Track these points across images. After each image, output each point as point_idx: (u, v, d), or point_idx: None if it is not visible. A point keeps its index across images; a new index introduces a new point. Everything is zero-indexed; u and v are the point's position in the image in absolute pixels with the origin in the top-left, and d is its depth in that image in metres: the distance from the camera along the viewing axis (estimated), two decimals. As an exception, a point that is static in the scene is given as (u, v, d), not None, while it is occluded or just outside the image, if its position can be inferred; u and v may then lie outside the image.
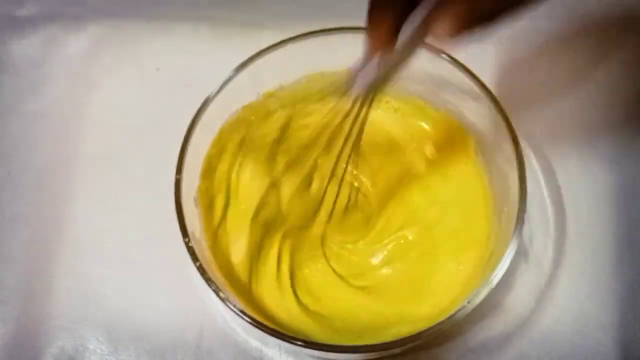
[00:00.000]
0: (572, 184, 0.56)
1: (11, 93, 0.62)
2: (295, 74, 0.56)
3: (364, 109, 0.44)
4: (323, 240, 0.52)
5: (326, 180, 0.48)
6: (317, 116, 0.53)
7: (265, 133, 0.56)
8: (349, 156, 0.47)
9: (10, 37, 0.65)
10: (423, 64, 0.44)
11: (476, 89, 0.49)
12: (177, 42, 0.64)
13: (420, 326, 0.42)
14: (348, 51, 0.53)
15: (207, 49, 0.63)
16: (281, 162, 0.55)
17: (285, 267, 0.51)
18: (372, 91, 0.41)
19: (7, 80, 0.63)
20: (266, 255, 0.51)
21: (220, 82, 0.50)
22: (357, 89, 0.40)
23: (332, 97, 0.45)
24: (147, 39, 0.64)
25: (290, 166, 0.53)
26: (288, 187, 0.54)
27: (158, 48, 0.64)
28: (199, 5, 0.67)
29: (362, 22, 0.51)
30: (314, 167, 0.53)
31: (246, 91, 0.54)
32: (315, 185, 0.53)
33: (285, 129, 0.56)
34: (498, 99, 0.48)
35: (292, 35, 0.51)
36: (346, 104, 0.45)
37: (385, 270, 0.51)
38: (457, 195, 0.54)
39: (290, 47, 0.51)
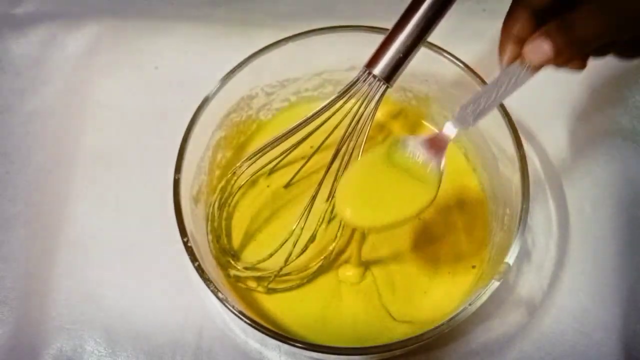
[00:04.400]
0: (574, 184, 0.55)
1: (10, 92, 0.62)
2: (296, 72, 0.55)
3: (370, 109, 0.44)
4: (327, 241, 0.52)
5: (331, 181, 0.48)
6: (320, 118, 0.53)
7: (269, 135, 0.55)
8: (350, 156, 0.47)
9: (9, 35, 0.64)
10: (425, 63, 0.44)
11: (478, 88, 0.49)
12: (176, 41, 0.64)
13: (422, 328, 0.42)
14: (348, 50, 0.53)
15: (206, 48, 0.63)
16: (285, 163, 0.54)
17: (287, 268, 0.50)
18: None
19: (5, 79, 0.63)
20: (267, 254, 0.51)
21: (220, 81, 0.50)
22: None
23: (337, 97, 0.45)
24: (146, 38, 0.64)
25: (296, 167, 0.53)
26: (293, 190, 0.54)
27: (157, 47, 0.63)
28: (198, 4, 0.67)
29: (361, 21, 0.51)
30: (318, 168, 0.53)
31: (246, 90, 0.54)
32: (321, 188, 0.52)
33: (291, 129, 0.56)
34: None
35: (291, 34, 0.51)
36: (350, 104, 0.45)
37: (386, 272, 0.51)
38: (459, 196, 0.54)
39: (290, 46, 0.51)
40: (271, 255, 0.47)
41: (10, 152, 0.59)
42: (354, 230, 0.51)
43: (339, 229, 0.48)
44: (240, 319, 0.42)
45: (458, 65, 0.49)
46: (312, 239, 0.47)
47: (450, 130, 0.40)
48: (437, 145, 0.41)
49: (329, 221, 0.51)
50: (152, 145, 0.58)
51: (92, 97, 0.61)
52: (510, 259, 0.43)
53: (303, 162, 0.52)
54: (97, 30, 0.64)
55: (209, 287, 0.43)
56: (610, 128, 0.58)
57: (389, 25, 0.43)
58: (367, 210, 0.41)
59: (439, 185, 0.40)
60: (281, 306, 0.49)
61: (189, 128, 0.48)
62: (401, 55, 0.41)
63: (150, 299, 0.51)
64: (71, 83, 0.62)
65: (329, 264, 0.51)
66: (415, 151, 0.41)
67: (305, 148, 0.50)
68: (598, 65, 0.60)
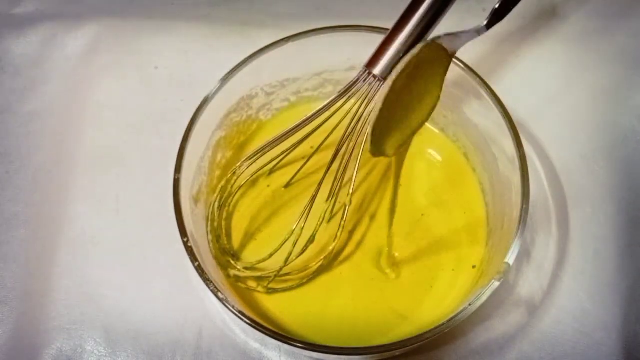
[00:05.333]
0: (574, 184, 0.55)
1: (10, 92, 0.62)
2: (296, 72, 0.55)
3: (370, 109, 0.44)
4: (327, 241, 0.52)
5: (331, 181, 0.48)
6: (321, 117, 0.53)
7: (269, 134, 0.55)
8: (350, 156, 0.47)
9: (9, 35, 0.64)
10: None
11: (479, 88, 0.49)
12: (176, 41, 0.64)
13: (422, 328, 0.42)
14: (348, 50, 0.53)
15: (206, 48, 0.63)
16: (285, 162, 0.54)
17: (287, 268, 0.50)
18: None
19: (6, 79, 0.63)
20: (267, 254, 0.51)
21: (220, 81, 0.50)
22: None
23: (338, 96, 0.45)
24: (146, 37, 0.64)
25: (295, 166, 0.53)
26: (293, 190, 0.54)
27: (157, 47, 0.63)
28: (199, 4, 0.67)
29: (361, 21, 0.51)
30: (318, 167, 0.53)
31: (246, 90, 0.54)
32: (321, 188, 0.53)
33: (291, 129, 0.56)
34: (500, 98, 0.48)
35: (291, 34, 0.51)
36: (350, 104, 0.45)
37: (386, 273, 0.51)
38: (459, 196, 0.54)
39: (290, 45, 0.51)
40: (271, 255, 0.47)
41: (10, 152, 0.59)
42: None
43: (339, 228, 0.48)
44: (240, 319, 0.41)
45: (458, 65, 0.49)
46: (312, 239, 0.47)
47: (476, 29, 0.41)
48: (456, 42, 0.42)
49: (329, 221, 0.52)
50: (152, 145, 0.58)
51: (92, 97, 0.61)
52: (510, 259, 0.43)
53: (303, 162, 0.52)
54: (97, 30, 0.64)
55: (209, 287, 0.43)
56: (610, 128, 0.58)
57: (389, 25, 0.43)
58: (393, 141, 0.43)
59: (442, 84, 0.43)
60: (281, 306, 0.49)
61: (189, 128, 0.48)
62: (401, 55, 0.41)
63: (150, 299, 0.51)
64: (71, 83, 0.62)
65: (329, 264, 0.51)
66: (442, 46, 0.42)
67: (305, 148, 0.50)
68: (598, 65, 0.61)
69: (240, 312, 0.42)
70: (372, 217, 0.53)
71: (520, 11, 0.60)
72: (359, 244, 0.52)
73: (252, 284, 0.50)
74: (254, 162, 0.49)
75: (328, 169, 0.47)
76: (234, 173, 0.50)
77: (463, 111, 0.53)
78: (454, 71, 0.50)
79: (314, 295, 0.50)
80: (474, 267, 0.50)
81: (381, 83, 0.43)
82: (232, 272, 0.49)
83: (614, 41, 0.62)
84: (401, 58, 0.42)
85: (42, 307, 0.51)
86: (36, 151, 0.58)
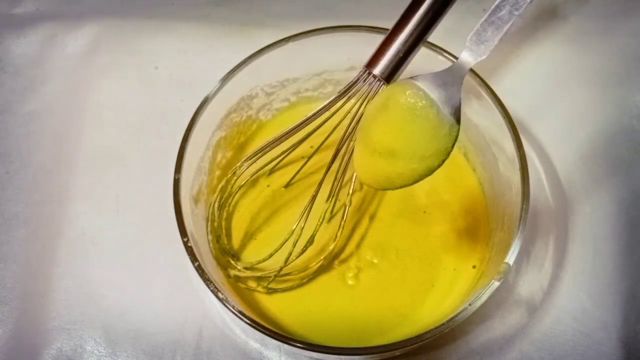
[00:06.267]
0: (574, 183, 0.55)
1: (10, 92, 0.62)
2: (296, 72, 0.55)
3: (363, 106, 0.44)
4: (327, 241, 0.52)
5: (331, 181, 0.48)
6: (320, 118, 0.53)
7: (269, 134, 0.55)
8: (350, 156, 0.47)
9: (9, 35, 0.64)
10: (424, 63, 0.44)
11: (479, 88, 0.49)
12: (176, 41, 0.64)
13: (422, 328, 0.42)
14: (348, 50, 0.53)
15: (206, 48, 0.63)
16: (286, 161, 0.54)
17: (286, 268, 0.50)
18: None
19: (6, 79, 0.63)
20: (267, 254, 0.51)
21: (220, 81, 0.50)
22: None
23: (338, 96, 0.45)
24: (146, 37, 0.64)
25: (294, 166, 0.53)
26: (293, 190, 0.54)
27: (157, 47, 0.63)
28: (199, 4, 0.67)
29: (361, 21, 0.51)
30: (318, 167, 0.53)
31: (246, 90, 0.54)
32: (321, 188, 0.53)
33: (291, 129, 0.56)
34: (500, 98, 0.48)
35: (291, 34, 0.51)
36: (350, 104, 0.45)
37: (387, 273, 0.51)
38: (459, 196, 0.54)
39: (290, 46, 0.51)
40: (271, 255, 0.47)
41: (10, 152, 0.59)
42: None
43: (339, 228, 0.48)
44: (240, 319, 0.42)
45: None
46: (312, 239, 0.47)
47: (465, 60, 0.40)
48: (452, 79, 0.41)
49: (329, 221, 0.52)
50: (152, 145, 0.58)
51: (92, 97, 0.61)
52: (510, 259, 0.43)
53: (303, 162, 0.52)
54: (97, 30, 0.64)
55: (209, 287, 0.43)
56: (610, 128, 0.58)
57: (389, 25, 0.43)
58: (393, 177, 0.42)
59: (459, 126, 0.41)
60: (281, 306, 0.49)
61: (189, 128, 0.48)
62: (401, 55, 0.42)
63: (150, 299, 0.51)
64: (71, 83, 0.62)
65: (329, 263, 0.51)
66: (430, 92, 0.40)
67: (305, 148, 0.50)
68: (598, 66, 0.61)
69: (240, 312, 0.42)
70: (372, 217, 0.53)
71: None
72: (359, 244, 0.52)
73: (252, 284, 0.50)
74: (254, 162, 0.49)
75: (328, 169, 0.47)
76: (234, 173, 0.50)
77: (463, 111, 0.53)
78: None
79: (314, 295, 0.50)
80: (474, 267, 0.50)
81: (381, 83, 0.43)
82: (232, 272, 0.49)
83: (614, 41, 0.62)
84: (401, 59, 0.42)
85: (42, 307, 0.51)
86: (36, 151, 0.58)
